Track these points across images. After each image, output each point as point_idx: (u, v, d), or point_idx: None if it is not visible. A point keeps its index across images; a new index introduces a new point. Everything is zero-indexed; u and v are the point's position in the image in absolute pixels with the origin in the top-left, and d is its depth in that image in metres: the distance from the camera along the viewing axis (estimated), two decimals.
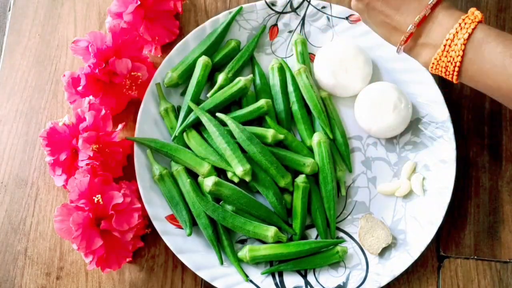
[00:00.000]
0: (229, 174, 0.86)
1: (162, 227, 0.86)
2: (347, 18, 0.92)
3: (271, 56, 0.94)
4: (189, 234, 0.86)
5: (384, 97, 0.87)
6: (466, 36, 0.70)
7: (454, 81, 0.73)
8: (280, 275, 0.86)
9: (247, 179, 0.85)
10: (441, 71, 0.73)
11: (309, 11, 0.93)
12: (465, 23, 0.70)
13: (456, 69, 0.71)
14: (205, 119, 0.87)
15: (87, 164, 0.83)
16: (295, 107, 0.90)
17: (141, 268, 0.88)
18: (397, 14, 0.74)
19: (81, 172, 0.82)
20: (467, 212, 0.88)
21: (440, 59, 0.72)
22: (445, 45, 0.71)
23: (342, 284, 0.84)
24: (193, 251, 0.86)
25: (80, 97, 0.88)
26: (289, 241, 0.86)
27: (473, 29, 0.70)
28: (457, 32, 0.70)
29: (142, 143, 0.88)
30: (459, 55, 0.70)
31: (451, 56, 0.71)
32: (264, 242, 0.86)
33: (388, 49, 0.91)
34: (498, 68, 0.68)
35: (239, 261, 0.85)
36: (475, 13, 0.71)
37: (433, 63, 0.73)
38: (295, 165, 0.87)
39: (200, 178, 0.88)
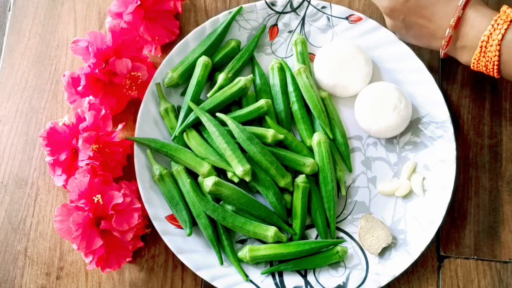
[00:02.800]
0: (229, 174, 0.86)
1: (162, 227, 0.86)
2: (347, 18, 0.92)
3: (271, 56, 0.94)
4: (189, 234, 0.86)
5: (384, 97, 0.87)
6: (500, 37, 0.73)
7: (496, 77, 0.77)
8: (280, 275, 0.86)
9: (247, 179, 0.85)
10: (482, 69, 0.77)
11: (309, 11, 0.93)
12: (498, 24, 0.73)
13: (495, 67, 0.75)
14: (205, 119, 0.87)
15: (87, 164, 0.83)
16: (295, 107, 0.90)
17: (141, 268, 0.88)
18: (431, 23, 0.78)
19: (81, 172, 0.82)
20: (467, 212, 0.88)
21: (479, 59, 0.76)
22: (481, 47, 0.75)
23: (342, 284, 0.84)
24: (193, 251, 0.86)
25: (80, 97, 0.88)
26: (289, 241, 0.86)
27: (506, 29, 0.73)
28: (491, 34, 0.74)
29: (142, 143, 0.88)
30: (495, 55, 0.74)
31: (488, 56, 0.75)
32: (264, 242, 0.86)
33: (388, 49, 0.91)
34: None
35: (239, 261, 0.85)
36: (507, 12, 0.74)
37: (473, 63, 0.77)
38: (295, 165, 0.87)
39: (200, 178, 0.88)
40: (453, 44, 0.79)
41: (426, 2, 0.78)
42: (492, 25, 0.74)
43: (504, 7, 0.75)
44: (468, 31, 0.76)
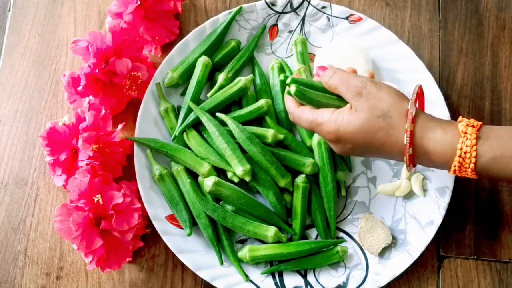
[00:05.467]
0: (229, 174, 0.86)
1: (162, 227, 0.86)
2: (347, 18, 0.92)
3: (271, 56, 0.94)
4: (189, 234, 0.86)
5: None
6: (472, 166, 0.69)
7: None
8: (280, 275, 0.86)
9: (247, 179, 0.85)
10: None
11: (309, 11, 0.93)
12: (465, 153, 0.69)
13: (475, 178, 0.71)
14: (205, 119, 0.87)
15: (87, 164, 0.83)
16: None
17: (141, 268, 0.88)
18: (389, 157, 0.74)
19: (81, 172, 0.82)
20: (467, 212, 0.88)
21: (456, 174, 0.72)
22: (454, 171, 0.71)
23: (342, 284, 0.84)
24: (193, 251, 0.86)
25: (80, 97, 0.88)
26: (289, 241, 0.86)
27: (476, 157, 0.69)
28: (460, 164, 0.69)
29: (142, 143, 0.88)
30: (473, 176, 0.70)
31: (466, 176, 0.71)
32: (264, 242, 0.86)
33: (388, 49, 0.91)
34: None
35: (239, 261, 0.85)
36: (468, 133, 0.69)
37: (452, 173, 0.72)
38: (295, 165, 0.87)
39: (200, 178, 0.88)
40: (423, 165, 0.74)
41: (373, 143, 0.72)
42: (459, 156, 0.69)
43: (462, 126, 0.70)
44: (435, 160, 0.71)
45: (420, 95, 0.77)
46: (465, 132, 0.69)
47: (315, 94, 0.76)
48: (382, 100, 0.72)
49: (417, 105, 0.74)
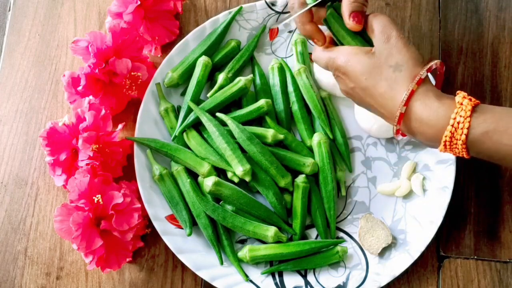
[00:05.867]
0: (229, 174, 0.86)
1: (162, 227, 0.86)
2: None
3: (271, 56, 0.94)
4: (189, 234, 0.86)
5: None
6: (463, 137, 0.67)
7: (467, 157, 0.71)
8: (280, 275, 0.86)
9: (247, 179, 0.85)
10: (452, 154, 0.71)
11: None
12: (458, 123, 0.67)
13: (465, 155, 0.70)
14: (205, 119, 0.87)
15: (87, 164, 0.83)
16: (295, 107, 0.90)
17: (141, 268, 0.88)
18: (383, 111, 0.73)
19: (81, 172, 0.82)
20: (467, 212, 0.88)
21: (445, 151, 0.70)
22: (445, 145, 0.69)
23: (342, 284, 0.84)
24: (193, 251, 0.86)
25: (80, 97, 0.88)
26: (289, 241, 0.86)
27: (468, 128, 0.67)
28: (452, 134, 0.68)
29: (142, 143, 0.88)
30: (462, 151, 0.69)
31: (455, 151, 0.69)
32: (264, 242, 0.86)
33: None
34: (509, 156, 0.67)
35: (239, 261, 0.85)
36: (463, 104, 0.68)
37: (440, 151, 0.71)
38: (295, 165, 0.87)
39: (200, 178, 0.88)
40: (410, 135, 0.73)
41: (372, 91, 0.72)
42: (452, 125, 0.67)
43: (459, 98, 0.68)
44: (424, 130, 0.70)
45: (439, 72, 0.76)
46: (461, 104, 0.68)
47: (343, 27, 0.76)
48: (402, 54, 0.72)
49: (429, 76, 0.74)
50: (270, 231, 0.85)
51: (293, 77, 0.91)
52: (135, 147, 0.88)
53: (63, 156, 0.85)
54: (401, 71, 0.71)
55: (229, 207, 0.86)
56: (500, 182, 0.89)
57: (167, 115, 0.90)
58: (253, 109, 0.89)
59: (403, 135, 0.75)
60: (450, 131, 0.68)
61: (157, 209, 0.87)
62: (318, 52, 0.78)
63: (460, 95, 0.69)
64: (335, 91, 0.91)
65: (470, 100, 0.68)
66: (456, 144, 0.68)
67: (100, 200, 0.80)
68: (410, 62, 0.71)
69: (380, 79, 0.72)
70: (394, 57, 0.71)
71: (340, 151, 0.89)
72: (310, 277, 0.85)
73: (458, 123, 0.67)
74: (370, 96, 0.73)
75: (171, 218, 0.87)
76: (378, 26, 0.74)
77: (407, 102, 0.70)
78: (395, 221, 0.87)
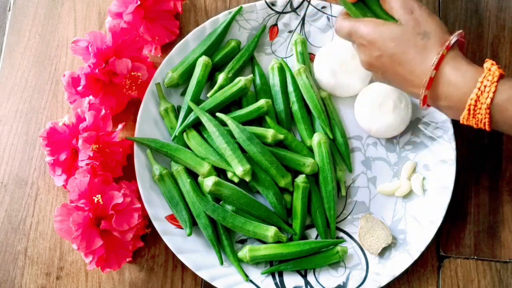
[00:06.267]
0: (229, 174, 0.86)
1: (162, 227, 0.86)
2: None
3: (271, 56, 0.94)
4: (189, 234, 0.86)
5: (384, 97, 0.87)
6: (488, 101, 0.69)
7: (488, 130, 0.72)
8: (280, 275, 0.86)
9: (247, 179, 0.85)
10: (472, 126, 0.72)
11: (309, 11, 0.93)
12: (485, 86, 0.69)
13: (487, 126, 0.71)
14: (205, 119, 0.87)
15: (87, 164, 0.83)
16: (295, 107, 0.90)
17: (141, 268, 0.88)
18: (409, 80, 0.74)
19: (81, 172, 0.82)
20: (467, 212, 0.88)
21: (468, 119, 0.71)
22: (469, 110, 0.70)
23: (342, 284, 0.84)
24: (193, 251, 0.86)
25: (80, 97, 0.88)
26: (289, 241, 0.86)
27: (494, 92, 0.68)
28: (478, 97, 0.69)
29: (142, 143, 0.88)
30: (486, 117, 0.70)
31: (478, 118, 0.70)
32: (264, 242, 0.86)
33: None
34: None
35: (239, 261, 0.85)
36: (492, 70, 0.69)
37: (462, 122, 0.72)
38: (295, 165, 0.87)
39: (200, 178, 0.88)
40: (435, 102, 0.74)
41: (401, 57, 0.73)
42: (479, 88, 0.69)
43: (488, 64, 0.70)
44: (451, 92, 0.71)
45: (461, 42, 0.77)
46: (489, 69, 0.70)
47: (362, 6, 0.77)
48: (429, 23, 0.73)
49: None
50: (270, 231, 0.85)
51: (293, 77, 0.91)
52: (135, 147, 0.88)
53: (63, 156, 0.85)
54: (430, 38, 0.72)
55: (229, 207, 0.86)
56: (500, 182, 0.89)
57: (167, 115, 0.90)
58: (253, 109, 0.89)
59: (428, 105, 0.75)
60: (476, 94, 0.69)
61: (157, 209, 0.87)
62: (341, 20, 0.78)
63: (489, 62, 0.70)
64: (335, 91, 0.91)
65: (499, 67, 0.70)
66: (480, 108, 0.69)
67: (100, 200, 0.80)
68: (438, 30, 0.73)
69: (409, 46, 0.73)
70: (422, 25, 0.73)
71: (340, 151, 0.89)
72: (310, 277, 0.85)
73: (485, 86, 0.69)
74: (397, 63, 0.74)
75: (171, 218, 0.87)
76: (397, 1, 0.75)
77: (437, 66, 0.71)
78: (395, 221, 0.87)
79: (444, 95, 0.72)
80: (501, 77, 0.69)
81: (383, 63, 0.75)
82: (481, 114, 0.70)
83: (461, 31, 0.74)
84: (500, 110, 0.69)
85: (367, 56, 0.76)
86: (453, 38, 0.72)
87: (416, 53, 0.72)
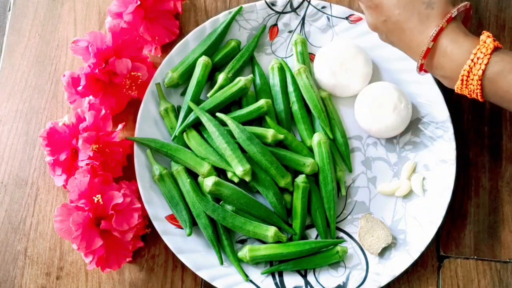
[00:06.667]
0: (229, 174, 0.86)
1: (162, 227, 0.86)
2: (347, 18, 0.92)
3: (271, 56, 0.94)
4: (189, 234, 0.86)
5: (384, 97, 0.87)
6: (480, 72, 0.70)
7: (481, 101, 0.74)
8: (280, 275, 0.86)
9: (247, 179, 0.85)
10: (466, 95, 0.74)
11: (309, 11, 0.93)
12: (478, 58, 0.71)
13: (479, 96, 0.73)
14: (205, 119, 0.87)
15: (87, 164, 0.83)
16: (295, 107, 0.90)
17: (141, 268, 0.88)
18: (410, 46, 0.76)
19: (81, 172, 0.82)
20: (467, 212, 0.88)
21: (461, 89, 0.74)
22: (461, 80, 0.72)
23: (342, 284, 0.84)
24: (193, 251, 0.86)
25: (80, 97, 0.88)
26: (289, 241, 0.86)
27: (486, 64, 0.70)
28: (471, 68, 0.71)
29: (142, 143, 0.88)
30: (477, 88, 0.72)
31: (470, 88, 0.72)
32: (264, 242, 0.86)
33: (388, 49, 0.91)
34: None
35: (239, 261, 0.85)
36: (486, 42, 0.71)
37: (456, 91, 0.75)
38: (295, 165, 0.87)
39: (200, 178, 0.88)
40: (431, 70, 0.77)
41: (403, 25, 0.75)
42: (472, 60, 0.71)
43: (484, 36, 0.72)
44: (446, 63, 0.73)
45: (466, 15, 0.78)
46: (484, 42, 0.71)
47: None
48: None
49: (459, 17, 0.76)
50: (270, 231, 0.85)
51: (293, 77, 0.91)
52: (135, 147, 0.88)
53: (63, 156, 0.85)
54: (433, 8, 0.74)
55: (229, 207, 0.86)
56: (500, 182, 0.89)
57: (167, 115, 0.90)
58: (253, 109, 0.89)
59: (425, 71, 0.77)
60: (469, 65, 0.71)
61: (157, 209, 0.87)
62: None
63: (485, 34, 0.72)
64: (335, 91, 0.91)
65: (494, 40, 0.71)
66: (472, 80, 0.71)
67: (100, 200, 0.80)
68: (443, 2, 0.74)
69: (412, 14, 0.74)
70: None
71: (340, 151, 0.89)
72: (310, 277, 0.85)
73: (478, 58, 0.71)
74: (400, 30, 0.76)
75: (171, 218, 0.87)
76: None
77: (435, 38, 0.73)
78: (395, 221, 0.87)
79: (440, 65, 0.74)
80: (495, 49, 0.71)
81: (388, 27, 0.77)
82: (473, 85, 0.72)
83: (465, 3, 0.76)
84: (491, 82, 0.71)
85: (374, 19, 0.79)
86: (454, 11, 0.73)
87: (418, 21, 0.74)
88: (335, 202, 0.87)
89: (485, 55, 0.70)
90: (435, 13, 0.74)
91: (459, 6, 0.74)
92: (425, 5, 0.74)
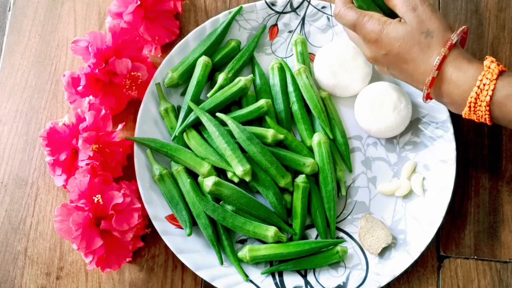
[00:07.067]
0: (229, 174, 0.86)
1: (162, 227, 0.86)
2: None
3: (271, 56, 0.94)
4: (189, 234, 0.86)
5: (384, 97, 0.87)
6: (488, 98, 0.71)
7: (489, 124, 0.74)
8: (280, 275, 0.86)
9: (247, 179, 0.85)
10: (474, 120, 0.75)
11: (309, 11, 0.93)
12: (484, 84, 0.71)
13: (487, 121, 0.73)
14: (205, 119, 0.87)
15: (87, 164, 0.83)
16: (295, 107, 0.90)
17: (141, 268, 0.88)
18: (413, 76, 0.76)
19: (81, 172, 0.82)
20: (467, 212, 0.88)
21: (469, 115, 0.74)
22: (469, 106, 0.73)
23: (342, 284, 0.84)
24: (193, 251, 0.86)
25: (80, 97, 0.88)
26: (289, 241, 0.86)
27: (493, 90, 0.71)
28: (478, 95, 0.71)
29: (142, 143, 0.88)
30: (486, 114, 0.72)
31: (478, 114, 0.73)
32: (264, 242, 0.86)
33: None
34: None
35: (239, 261, 0.85)
36: (491, 68, 0.71)
37: (464, 117, 0.75)
38: (295, 165, 0.87)
39: (200, 178, 0.88)
40: (438, 98, 0.77)
41: (405, 56, 0.75)
42: (478, 86, 0.71)
43: (488, 61, 0.72)
44: (452, 91, 0.74)
45: (463, 36, 0.79)
46: (489, 67, 0.72)
47: None
48: (432, 21, 0.75)
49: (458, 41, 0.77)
50: (270, 231, 0.85)
51: (293, 77, 0.91)
52: (135, 147, 0.88)
53: (63, 156, 0.85)
54: (433, 37, 0.74)
55: (229, 207, 0.86)
56: (500, 182, 0.89)
57: (167, 115, 0.90)
58: (253, 109, 0.89)
59: (431, 98, 0.78)
60: (476, 92, 0.71)
61: (157, 209, 0.87)
62: (344, 9, 0.79)
63: (489, 59, 0.72)
64: (335, 91, 0.91)
65: (498, 65, 0.72)
66: (480, 106, 0.72)
67: (100, 200, 0.80)
68: (441, 28, 0.74)
69: (413, 45, 0.75)
70: (425, 23, 0.75)
71: (340, 151, 0.89)
72: (310, 277, 0.85)
73: (484, 85, 0.71)
74: (403, 61, 0.76)
75: (171, 218, 0.87)
76: None
77: (440, 67, 0.73)
78: (395, 221, 0.87)
79: (446, 93, 0.74)
80: (501, 73, 0.71)
81: (389, 60, 0.77)
82: (481, 111, 0.72)
83: (463, 27, 0.76)
84: (499, 107, 0.71)
85: (373, 53, 0.78)
86: (454, 38, 0.73)
87: (420, 51, 0.74)
88: (335, 202, 0.87)
89: (491, 81, 0.70)
90: (436, 41, 0.74)
91: (458, 32, 0.74)
92: (424, 35, 0.74)
